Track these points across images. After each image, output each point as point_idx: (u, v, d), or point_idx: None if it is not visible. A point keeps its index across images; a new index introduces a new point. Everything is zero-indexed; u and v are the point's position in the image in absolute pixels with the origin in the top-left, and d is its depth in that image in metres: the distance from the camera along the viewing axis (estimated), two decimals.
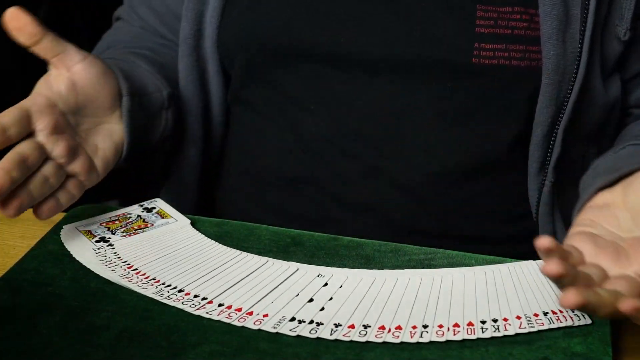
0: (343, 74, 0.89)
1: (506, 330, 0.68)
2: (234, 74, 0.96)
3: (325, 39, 0.88)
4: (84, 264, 0.76)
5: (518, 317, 0.69)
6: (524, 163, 0.90)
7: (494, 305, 0.70)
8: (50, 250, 0.79)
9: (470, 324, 0.69)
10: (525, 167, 0.90)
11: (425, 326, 0.68)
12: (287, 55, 0.90)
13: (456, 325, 0.68)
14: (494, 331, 0.68)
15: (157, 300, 0.72)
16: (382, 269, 0.76)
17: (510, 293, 0.72)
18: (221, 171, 1.02)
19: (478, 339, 0.68)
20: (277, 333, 0.68)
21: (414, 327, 0.68)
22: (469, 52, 0.85)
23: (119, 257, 0.77)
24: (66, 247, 0.79)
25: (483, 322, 0.69)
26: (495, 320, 0.69)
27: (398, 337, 0.67)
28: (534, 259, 0.75)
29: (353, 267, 0.77)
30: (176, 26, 0.99)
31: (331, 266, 0.77)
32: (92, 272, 0.76)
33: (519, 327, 0.68)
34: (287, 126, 0.93)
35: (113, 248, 0.79)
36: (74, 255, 0.78)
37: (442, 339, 0.67)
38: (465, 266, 0.77)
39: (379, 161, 0.90)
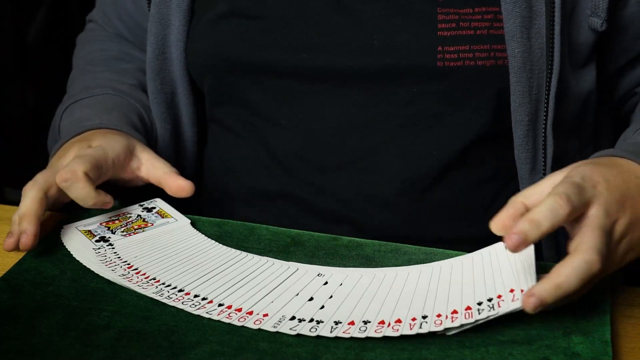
0: (310, 88, 0.89)
1: (500, 307, 0.68)
2: (206, 93, 0.97)
3: (289, 55, 0.88)
4: (84, 263, 0.76)
5: (511, 291, 0.69)
6: (495, 160, 0.90)
7: (488, 285, 0.71)
8: (50, 250, 0.79)
9: (468, 308, 0.69)
10: (496, 163, 0.90)
11: (424, 317, 0.68)
12: (254, 73, 0.90)
13: (454, 312, 0.68)
14: (490, 310, 0.68)
15: (157, 300, 0.72)
16: (382, 268, 0.76)
17: (503, 271, 0.72)
18: (198, 187, 1.02)
19: (478, 339, 0.68)
20: (277, 333, 0.68)
21: (413, 319, 0.68)
22: (433, 56, 0.85)
23: (118, 257, 0.77)
24: (66, 247, 0.79)
25: (479, 304, 0.69)
26: (490, 300, 0.69)
27: (398, 330, 0.67)
28: None
29: (353, 267, 0.77)
30: (145, 40, 0.99)
31: (332, 266, 0.77)
32: (92, 272, 0.76)
33: (512, 301, 0.68)
34: (259, 142, 0.93)
35: (113, 248, 0.79)
36: (74, 255, 0.78)
37: (441, 328, 0.67)
38: (466, 265, 0.77)
39: (352, 173, 0.89)
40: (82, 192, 0.79)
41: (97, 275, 0.76)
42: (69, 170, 0.78)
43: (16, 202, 0.81)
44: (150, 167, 0.87)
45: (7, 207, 0.89)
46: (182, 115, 0.98)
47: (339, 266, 0.77)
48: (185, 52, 0.94)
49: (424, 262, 0.77)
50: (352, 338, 0.68)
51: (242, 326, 0.69)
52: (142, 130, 0.94)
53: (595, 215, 0.69)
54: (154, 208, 0.85)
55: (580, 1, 0.85)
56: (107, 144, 0.84)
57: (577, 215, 0.69)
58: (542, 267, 0.70)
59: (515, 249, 0.66)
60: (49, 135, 0.99)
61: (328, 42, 0.87)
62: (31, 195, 0.78)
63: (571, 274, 0.65)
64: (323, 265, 0.77)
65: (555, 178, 0.72)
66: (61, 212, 0.86)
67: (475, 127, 0.88)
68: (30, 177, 0.81)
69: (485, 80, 0.86)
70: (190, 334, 0.69)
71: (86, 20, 1.12)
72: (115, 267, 0.76)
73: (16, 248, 0.76)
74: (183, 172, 1.00)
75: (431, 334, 0.68)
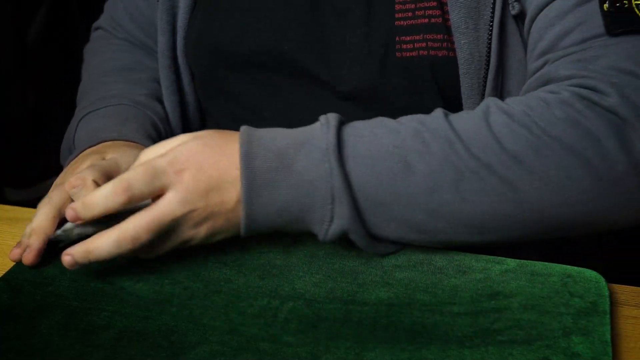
0: (289, 80, 0.90)
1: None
2: (197, 85, 0.97)
3: (268, 46, 0.89)
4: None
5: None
6: None
7: None
8: (50, 250, 0.79)
9: None
10: None
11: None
12: (240, 64, 0.91)
13: None
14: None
15: (157, 300, 0.72)
16: (382, 268, 0.77)
17: None
18: None
19: (478, 339, 0.68)
20: (277, 333, 0.68)
21: None
22: (392, 48, 0.84)
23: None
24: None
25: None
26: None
27: None
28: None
29: (353, 267, 0.77)
30: (157, 37, 1.00)
31: (332, 265, 0.77)
32: (92, 272, 0.76)
33: None
34: None
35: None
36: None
37: None
38: (466, 265, 0.77)
39: None
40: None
41: (97, 275, 0.76)
42: (78, 177, 0.78)
43: (16, 202, 0.81)
44: None
45: (7, 207, 0.89)
46: (189, 104, 0.99)
47: (339, 266, 0.77)
48: (184, 40, 0.95)
49: (423, 263, 0.77)
50: (352, 338, 0.68)
51: (242, 326, 0.69)
52: (157, 141, 0.93)
53: (164, 201, 0.71)
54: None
55: None
56: (121, 158, 0.84)
57: (146, 198, 0.72)
58: (548, 267, 0.70)
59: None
60: (62, 146, 0.98)
61: (306, 35, 0.88)
62: (44, 211, 0.78)
63: (102, 245, 0.71)
64: (323, 265, 0.77)
65: (166, 145, 0.74)
66: None
67: None
68: (30, 176, 0.81)
69: (438, 71, 0.84)
70: (190, 334, 0.69)
71: (92, 28, 1.11)
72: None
73: (20, 259, 0.77)
74: None
75: (430, 334, 0.68)
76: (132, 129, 0.91)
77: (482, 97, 0.84)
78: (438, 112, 0.75)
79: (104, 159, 0.84)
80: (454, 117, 0.74)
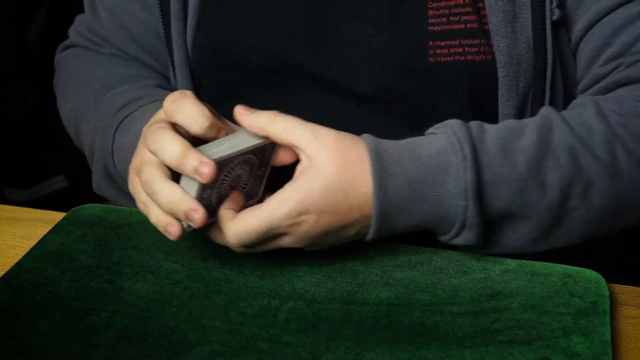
0: (302, 84, 0.88)
1: None
2: (205, 92, 0.94)
3: (279, 50, 0.88)
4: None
5: None
6: None
7: None
8: (50, 250, 0.79)
9: None
10: None
11: None
12: (257, 73, 0.89)
13: None
14: None
15: (157, 300, 0.72)
16: (382, 268, 0.77)
17: None
18: None
19: (478, 339, 0.68)
20: (277, 333, 0.68)
21: None
22: (425, 52, 0.85)
23: None
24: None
25: None
26: None
27: None
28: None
29: (353, 267, 0.77)
30: (156, 47, 0.97)
31: (332, 265, 0.77)
32: (92, 272, 0.76)
33: None
34: None
35: None
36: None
37: None
38: (466, 265, 0.77)
39: None
40: (195, 111, 0.72)
41: (97, 275, 0.75)
42: (176, 92, 0.73)
43: (16, 202, 0.81)
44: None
45: (7, 207, 0.89)
46: None
47: (340, 265, 0.77)
48: (192, 45, 0.93)
49: (423, 263, 0.77)
50: (352, 338, 0.68)
51: (242, 326, 0.69)
52: None
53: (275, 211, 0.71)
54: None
55: None
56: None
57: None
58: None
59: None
60: (93, 171, 0.90)
61: (320, 39, 0.87)
62: (169, 185, 0.71)
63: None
64: (324, 264, 0.77)
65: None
66: (64, 209, 0.86)
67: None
68: (30, 176, 0.80)
69: (474, 75, 0.85)
70: (190, 334, 0.69)
71: (58, 50, 1.05)
72: None
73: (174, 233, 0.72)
74: None
75: (430, 334, 0.68)
76: None
77: (521, 98, 0.85)
78: (552, 120, 0.77)
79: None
80: (567, 119, 0.78)
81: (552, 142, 0.76)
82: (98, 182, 0.90)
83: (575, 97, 0.87)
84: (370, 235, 0.74)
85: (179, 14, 0.91)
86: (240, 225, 0.71)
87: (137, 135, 0.78)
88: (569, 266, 0.77)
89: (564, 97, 0.89)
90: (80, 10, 1.03)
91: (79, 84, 0.96)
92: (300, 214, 0.71)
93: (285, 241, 0.73)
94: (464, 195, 0.72)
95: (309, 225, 0.71)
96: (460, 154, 0.73)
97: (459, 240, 0.75)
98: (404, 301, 0.73)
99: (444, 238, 0.76)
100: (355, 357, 0.66)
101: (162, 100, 0.79)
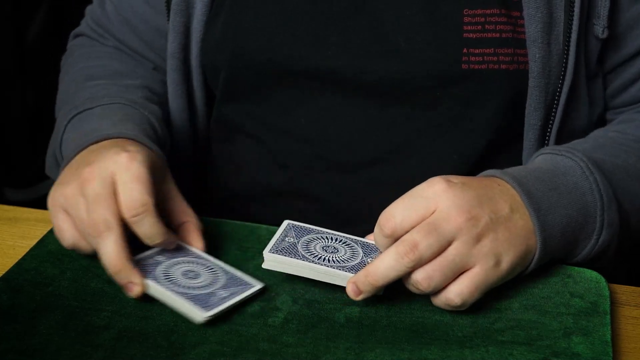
0: (328, 87, 0.88)
1: None
2: (218, 89, 0.94)
3: (308, 56, 0.87)
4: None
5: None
6: (506, 165, 0.89)
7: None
8: (50, 250, 0.79)
9: None
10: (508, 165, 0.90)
11: None
12: (272, 71, 0.89)
13: None
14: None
15: (157, 300, 0.72)
16: None
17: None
18: (206, 186, 1.01)
19: (478, 339, 0.68)
20: (277, 333, 0.68)
21: None
22: (458, 59, 0.85)
23: None
24: None
25: None
26: None
27: None
28: None
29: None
30: (157, 42, 0.97)
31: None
32: (92, 272, 0.76)
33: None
34: (274, 141, 0.92)
35: None
36: None
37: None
38: None
39: (370, 174, 0.89)
40: (153, 229, 0.73)
41: (97, 275, 0.75)
42: (138, 202, 0.72)
43: (16, 202, 0.81)
44: (178, 206, 0.79)
45: (7, 207, 0.89)
46: (198, 109, 0.97)
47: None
48: (201, 42, 0.92)
49: None
50: (352, 338, 0.68)
51: (242, 326, 0.69)
52: (155, 141, 0.85)
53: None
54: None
55: (590, 9, 0.86)
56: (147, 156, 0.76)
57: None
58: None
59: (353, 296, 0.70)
60: (47, 154, 0.92)
61: (350, 45, 0.86)
62: (114, 249, 0.72)
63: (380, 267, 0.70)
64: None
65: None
66: None
67: (489, 132, 0.87)
68: (30, 176, 0.80)
69: (505, 84, 0.85)
70: (190, 334, 0.69)
71: (70, 35, 1.06)
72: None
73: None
74: (195, 170, 0.98)
75: (431, 334, 0.68)
76: (129, 128, 0.82)
77: (549, 109, 0.86)
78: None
79: (128, 151, 0.75)
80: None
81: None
82: (49, 165, 0.93)
83: (598, 114, 0.91)
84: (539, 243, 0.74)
85: (181, 5, 0.91)
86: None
87: (83, 137, 0.80)
88: (569, 266, 0.77)
89: (589, 111, 0.90)
90: (80, 10, 1.04)
91: (73, 73, 0.98)
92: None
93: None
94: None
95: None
96: (586, 170, 0.79)
97: (603, 238, 0.77)
98: (404, 301, 0.73)
99: (587, 243, 0.78)
100: (355, 357, 0.66)
101: (123, 103, 0.87)
